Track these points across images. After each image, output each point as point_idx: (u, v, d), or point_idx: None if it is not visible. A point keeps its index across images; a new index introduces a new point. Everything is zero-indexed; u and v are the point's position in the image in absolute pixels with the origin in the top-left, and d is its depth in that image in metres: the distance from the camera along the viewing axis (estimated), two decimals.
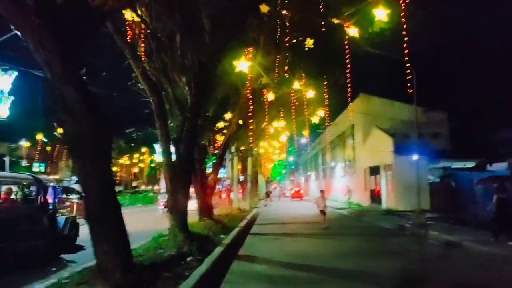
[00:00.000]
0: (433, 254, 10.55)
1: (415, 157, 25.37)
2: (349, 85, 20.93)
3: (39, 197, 9.88)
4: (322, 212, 16.47)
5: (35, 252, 9.30)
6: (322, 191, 17.52)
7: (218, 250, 9.37)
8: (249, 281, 7.31)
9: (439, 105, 31.81)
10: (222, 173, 34.26)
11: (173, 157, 11.02)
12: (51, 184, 11.40)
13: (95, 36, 9.24)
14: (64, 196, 21.09)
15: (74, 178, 59.07)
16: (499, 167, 20.78)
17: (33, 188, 10.26)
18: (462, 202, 22.91)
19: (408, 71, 15.20)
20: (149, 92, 10.86)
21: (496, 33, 32.77)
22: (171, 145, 10.94)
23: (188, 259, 8.60)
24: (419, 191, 16.70)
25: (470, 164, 26.48)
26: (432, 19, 12.58)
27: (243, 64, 11.43)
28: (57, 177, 59.99)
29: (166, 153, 10.77)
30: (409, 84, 14.89)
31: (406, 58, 14.19)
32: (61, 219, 10.95)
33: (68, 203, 19.84)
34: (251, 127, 21.14)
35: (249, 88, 17.51)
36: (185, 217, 10.79)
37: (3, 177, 10.16)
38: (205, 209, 15.16)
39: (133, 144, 57.43)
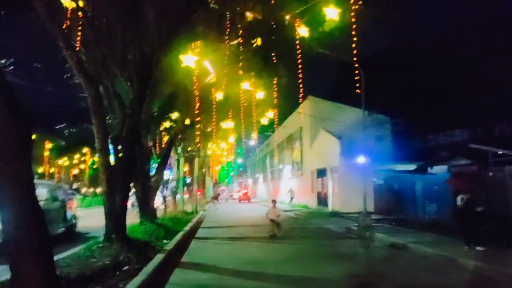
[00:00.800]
0: (381, 257, 10.47)
1: (360, 159, 25.87)
2: (301, 85, 20.84)
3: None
4: (274, 222, 14.55)
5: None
6: (273, 201, 16.00)
7: (158, 257, 8.64)
8: None
9: (381, 108, 32.79)
10: (168, 175, 33.15)
11: (112, 157, 10.16)
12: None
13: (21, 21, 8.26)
14: None
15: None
16: (439, 170, 21.53)
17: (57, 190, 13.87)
18: (404, 204, 23.65)
19: (357, 71, 15.28)
20: (85, 86, 9.91)
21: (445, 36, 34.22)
22: (109, 144, 10.04)
23: (125, 268, 7.82)
24: (365, 194, 16.75)
25: (412, 167, 27.42)
26: (381, 20, 12.59)
27: (190, 59, 10.76)
28: None
29: (103, 152, 9.86)
30: (357, 85, 14.94)
31: (355, 59, 14.18)
32: (69, 213, 14.22)
33: None
34: (198, 126, 20.42)
35: (196, 85, 16.84)
36: (123, 222, 9.94)
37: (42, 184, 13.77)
38: (147, 213, 14.26)
39: (66, 144, 54.23)
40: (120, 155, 9.84)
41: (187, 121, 23.96)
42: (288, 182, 42.61)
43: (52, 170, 59.20)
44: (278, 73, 22.85)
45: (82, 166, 61.80)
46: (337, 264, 9.08)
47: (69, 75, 12.78)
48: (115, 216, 9.71)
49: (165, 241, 12.06)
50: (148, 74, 10.06)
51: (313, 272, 8.21)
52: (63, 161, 60.11)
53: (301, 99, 19.24)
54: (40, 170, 58.55)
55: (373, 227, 15.32)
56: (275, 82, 22.94)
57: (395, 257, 10.27)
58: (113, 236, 9.58)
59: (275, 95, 24.04)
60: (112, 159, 10.21)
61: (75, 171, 61.25)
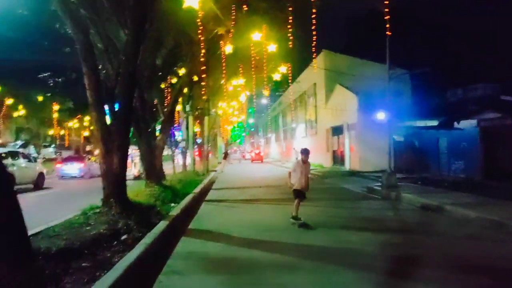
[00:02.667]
0: (415, 221, 9.27)
1: (380, 115, 24.33)
2: (315, 37, 19.19)
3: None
4: (299, 194, 8.71)
5: None
6: (305, 152, 9.10)
7: (161, 225, 7.55)
8: (194, 269, 5.56)
9: (399, 61, 30.80)
10: (179, 135, 32.13)
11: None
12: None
13: None
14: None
15: (19, 142, 54.97)
16: (466, 124, 19.98)
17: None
18: (426, 162, 22.29)
19: (386, 16, 13.71)
20: (73, 29, 8.54)
21: None
22: (102, 98, 8.78)
23: (123, 237, 6.77)
24: (390, 150, 15.42)
25: (434, 123, 25.85)
26: None
27: None
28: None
29: (96, 107, 8.61)
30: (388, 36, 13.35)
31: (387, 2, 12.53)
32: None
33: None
34: (203, 83, 19.01)
35: (202, 34, 15.33)
36: (122, 184, 8.84)
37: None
38: (153, 174, 13.20)
39: (74, 105, 53.10)
40: (114, 110, 8.57)
41: (195, 78, 22.60)
42: (302, 141, 41.38)
43: (62, 132, 58.80)
44: (291, 24, 21.15)
45: (92, 127, 61.24)
46: (365, 231, 7.92)
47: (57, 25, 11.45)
48: (113, 177, 8.60)
49: (172, 204, 11.03)
50: (143, 14, 8.61)
51: (338, 241, 7.05)
52: (73, 123, 59.58)
53: (314, 53, 17.66)
54: (50, 132, 58.20)
55: (398, 187, 14.09)
56: (289, 33, 21.30)
57: (432, 222, 9.05)
58: (111, 200, 8.50)
59: (290, 46, 22.39)
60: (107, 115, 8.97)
61: (86, 133, 60.70)
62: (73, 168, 24.66)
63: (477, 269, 5.27)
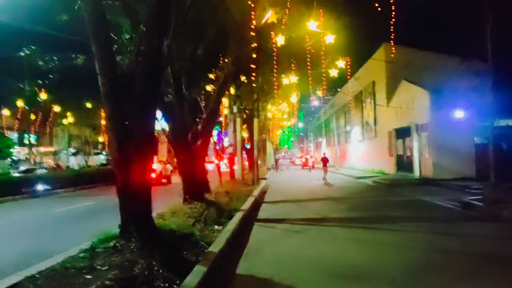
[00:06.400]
0: None
1: (458, 114, 20.76)
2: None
3: None
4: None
5: None
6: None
7: (196, 274, 4.96)
8: None
9: (476, 53, 26.75)
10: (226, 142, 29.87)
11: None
12: None
13: None
14: None
15: (72, 150, 55.30)
16: None
17: None
18: None
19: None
20: None
21: None
22: (118, 86, 6.37)
23: None
24: (491, 153, 12.02)
25: None
26: None
27: None
28: (52, 149, 56.19)
29: (110, 98, 6.23)
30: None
31: None
32: None
33: None
34: (252, 77, 16.48)
35: (254, 21, 12.86)
36: (146, 204, 6.39)
37: None
38: (193, 187, 10.72)
39: None
40: (133, 100, 6.14)
41: (243, 78, 20.16)
42: (358, 146, 37.93)
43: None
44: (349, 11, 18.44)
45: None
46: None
47: None
48: (132, 194, 6.16)
49: (216, 227, 8.51)
50: None
51: None
52: None
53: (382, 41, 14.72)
54: (101, 139, 58.18)
55: (507, 202, 10.75)
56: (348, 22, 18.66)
57: None
58: (130, 229, 6.06)
59: (348, 37, 19.61)
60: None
61: None
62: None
63: None
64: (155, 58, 6.10)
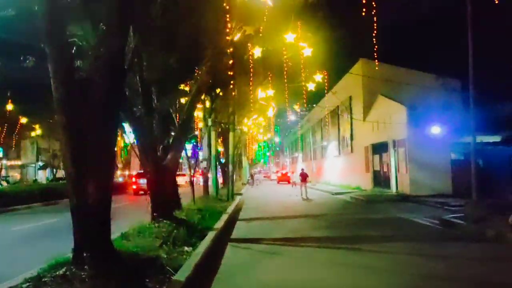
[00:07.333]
0: None
1: (435, 130, 20.70)
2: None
3: None
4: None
5: None
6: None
7: None
8: None
9: (450, 70, 27.10)
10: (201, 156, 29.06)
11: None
12: None
13: None
14: None
15: (40, 163, 53.12)
16: None
17: None
18: (496, 184, 18.40)
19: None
20: None
21: None
22: (75, 92, 5.66)
23: None
24: (474, 168, 11.74)
25: (494, 139, 22.03)
26: None
27: None
28: (19, 162, 53.86)
29: (65, 106, 5.51)
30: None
31: None
32: None
33: None
34: (229, 88, 15.99)
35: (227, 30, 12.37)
36: (103, 226, 5.63)
37: None
38: (163, 204, 9.95)
39: None
40: (91, 106, 5.44)
41: (218, 91, 19.60)
42: (334, 161, 37.75)
43: None
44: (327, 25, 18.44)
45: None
46: None
47: None
48: (87, 214, 5.41)
49: (186, 248, 7.79)
50: None
51: None
52: None
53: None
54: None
55: (490, 221, 10.42)
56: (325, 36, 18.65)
57: None
58: (84, 254, 5.29)
59: (326, 51, 19.52)
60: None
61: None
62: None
63: None
64: (116, 61, 5.43)
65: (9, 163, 51.17)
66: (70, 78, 5.59)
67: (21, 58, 9.16)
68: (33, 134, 43.97)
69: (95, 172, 5.41)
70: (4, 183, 37.16)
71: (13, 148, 45.96)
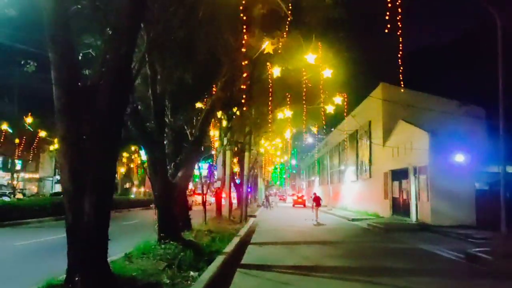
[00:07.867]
0: None
1: (459, 157, 19.86)
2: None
3: None
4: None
5: None
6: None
7: None
8: None
9: (473, 98, 26.31)
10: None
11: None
12: None
13: None
14: None
15: (57, 177, 53.55)
16: None
17: None
18: None
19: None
20: None
21: None
22: (76, 98, 5.33)
23: None
24: (503, 203, 10.96)
25: None
26: None
27: None
28: (37, 175, 54.35)
29: (66, 115, 5.16)
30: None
31: None
32: None
33: None
34: (244, 108, 15.63)
35: (246, 45, 12.04)
36: (100, 247, 5.18)
37: None
38: (171, 224, 9.48)
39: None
40: (95, 117, 5.06)
41: (235, 109, 19.29)
42: (351, 186, 36.82)
43: None
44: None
45: (132, 165, 58.93)
46: None
47: None
48: (81, 236, 4.96)
49: (192, 273, 7.26)
50: None
51: None
52: None
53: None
54: None
55: None
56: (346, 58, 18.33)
57: None
58: (76, 277, 4.82)
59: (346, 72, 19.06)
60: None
61: (122, 169, 58.28)
62: None
63: None
64: (122, 66, 5.07)
65: (27, 175, 51.64)
66: (73, 85, 5.26)
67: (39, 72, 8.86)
68: (51, 148, 44.33)
69: (94, 188, 5.00)
70: (20, 196, 37.29)
71: (31, 161, 46.40)
